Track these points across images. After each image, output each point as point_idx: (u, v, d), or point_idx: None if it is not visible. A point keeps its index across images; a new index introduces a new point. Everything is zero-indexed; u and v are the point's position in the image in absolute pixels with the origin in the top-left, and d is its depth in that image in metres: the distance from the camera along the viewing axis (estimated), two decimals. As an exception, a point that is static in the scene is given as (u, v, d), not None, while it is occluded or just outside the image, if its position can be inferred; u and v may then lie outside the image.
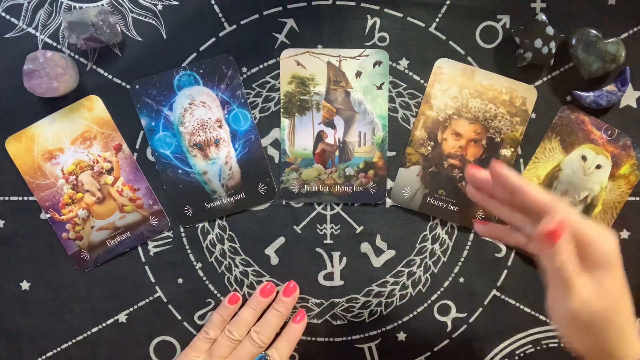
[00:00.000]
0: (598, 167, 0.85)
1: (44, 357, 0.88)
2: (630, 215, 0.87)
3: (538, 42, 0.83)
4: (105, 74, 0.85)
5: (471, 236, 0.88)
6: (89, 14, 0.81)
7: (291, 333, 0.86)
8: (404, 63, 0.86)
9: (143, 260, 0.88)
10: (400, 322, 0.89)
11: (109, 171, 0.86)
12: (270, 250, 0.88)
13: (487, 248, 0.88)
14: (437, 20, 0.85)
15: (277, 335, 0.86)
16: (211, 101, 0.85)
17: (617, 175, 0.86)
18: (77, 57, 0.85)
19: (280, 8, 0.85)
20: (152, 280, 0.88)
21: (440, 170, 0.86)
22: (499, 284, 0.88)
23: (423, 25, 0.86)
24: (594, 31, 0.82)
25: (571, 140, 0.86)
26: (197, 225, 0.88)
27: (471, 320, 0.89)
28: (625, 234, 0.87)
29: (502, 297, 0.89)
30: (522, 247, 0.71)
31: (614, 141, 0.85)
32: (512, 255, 0.88)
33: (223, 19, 0.85)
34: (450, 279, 0.89)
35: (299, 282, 0.88)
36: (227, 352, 0.83)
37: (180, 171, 0.86)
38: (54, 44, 0.85)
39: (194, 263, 0.88)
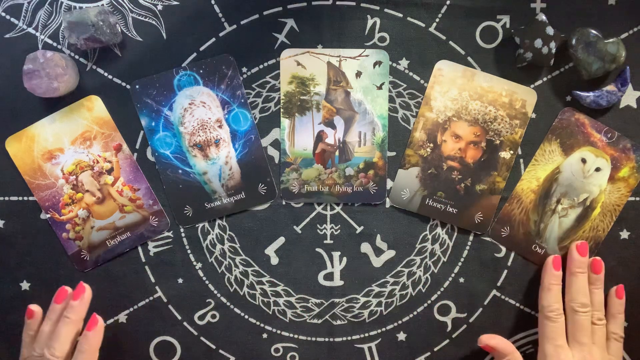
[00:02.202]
0: (597, 169, 0.85)
1: (44, 357, 0.89)
2: (630, 216, 0.87)
3: (538, 42, 0.83)
4: (105, 74, 0.85)
5: (471, 236, 0.88)
6: (89, 14, 0.81)
7: (85, 343, 0.79)
8: (404, 63, 0.86)
9: (143, 260, 0.88)
10: (400, 322, 0.89)
11: (109, 171, 0.86)
12: (270, 250, 0.88)
13: (487, 248, 0.88)
14: (437, 20, 0.85)
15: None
16: (211, 101, 0.85)
17: (616, 177, 0.85)
18: (77, 57, 0.85)
19: (280, 8, 0.85)
20: (152, 280, 0.88)
21: (440, 172, 0.86)
22: (499, 284, 0.88)
23: (423, 25, 0.86)
24: (594, 31, 0.82)
25: (571, 143, 0.86)
26: (197, 225, 0.88)
27: (471, 320, 0.89)
28: (625, 234, 0.87)
29: (502, 297, 0.89)
30: None
31: (614, 144, 0.85)
32: (512, 255, 0.88)
33: (223, 19, 0.85)
34: (450, 279, 0.89)
35: (299, 282, 0.88)
36: None
37: (180, 171, 0.86)
38: (54, 44, 0.85)
39: (194, 263, 0.88)
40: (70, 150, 0.85)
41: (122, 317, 0.88)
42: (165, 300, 0.88)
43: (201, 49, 0.85)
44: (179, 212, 0.87)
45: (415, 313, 0.89)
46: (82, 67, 0.85)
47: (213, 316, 0.89)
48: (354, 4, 0.85)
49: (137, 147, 0.86)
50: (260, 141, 0.86)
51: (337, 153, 0.87)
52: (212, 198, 0.87)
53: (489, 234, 0.88)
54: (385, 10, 0.85)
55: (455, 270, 0.89)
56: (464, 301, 0.89)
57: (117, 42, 0.84)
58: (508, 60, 0.86)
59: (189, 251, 0.88)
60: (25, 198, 0.86)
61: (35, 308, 0.81)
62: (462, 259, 0.88)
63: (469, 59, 0.86)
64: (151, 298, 0.88)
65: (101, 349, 0.88)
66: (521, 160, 0.87)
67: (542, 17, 0.83)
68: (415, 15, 0.85)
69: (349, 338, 0.89)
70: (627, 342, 0.88)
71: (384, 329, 0.89)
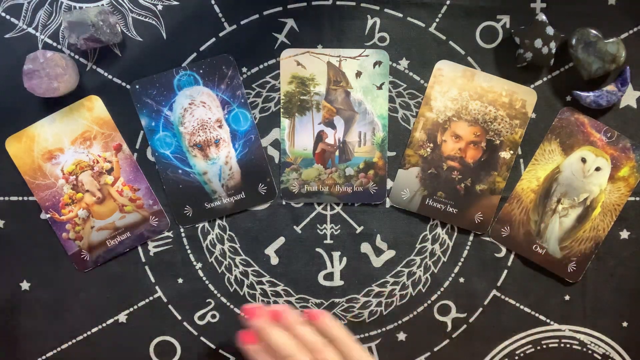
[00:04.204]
0: (597, 169, 0.85)
1: (44, 357, 0.88)
2: (630, 216, 0.87)
3: (538, 42, 0.83)
4: (105, 74, 0.85)
5: (471, 236, 0.88)
6: (89, 14, 0.81)
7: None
8: (404, 63, 0.86)
9: (143, 260, 0.88)
10: (400, 322, 0.89)
11: (109, 171, 0.86)
12: (270, 250, 0.88)
13: (487, 248, 0.88)
14: (437, 20, 0.85)
15: None
16: (211, 101, 0.85)
17: (616, 177, 0.85)
18: (77, 57, 0.85)
19: (280, 8, 0.85)
20: (152, 280, 0.88)
21: (440, 172, 0.86)
22: (499, 284, 0.89)
23: (423, 25, 0.86)
24: (594, 31, 0.82)
25: (571, 142, 0.86)
26: (197, 225, 0.88)
27: (471, 320, 0.89)
28: (625, 234, 0.87)
29: (502, 297, 0.89)
30: None
31: (614, 143, 0.85)
32: (512, 255, 0.88)
33: (223, 19, 0.85)
34: (450, 279, 0.89)
35: (299, 282, 0.88)
36: None
37: (180, 171, 0.86)
38: (54, 44, 0.85)
39: (194, 263, 0.88)
40: (70, 150, 0.85)
41: (122, 317, 0.88)
42: (165, 300, 0.88)
43: (201, 49, 0.85)
44: (179, 212, 0.87)
45: (415, 313, 0.89)
46: (82, 67, 0.85)
47: (213, 316, 0.89)
48: (354, 4, 0.85)
49: (137, 147, 0.86)
50: (260, 141, 0.86)
51: (337, 153, 0.87)
52: (212, 198, 0.87)
53: (489, 234, 0.88)
54: (385, 10, 0.85)
55: (455, 270, 0.89)
56: (464, 301, 0.89)
57: (117, 42, 0.84)
58: (508, 60, 0.86)
59: (189, 251, 0.88)
60: (25, 198, 0.86)
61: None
62: (462, 259, 0.88)
63: (469, 59, 0.86)
64: (151, 298, 0.88)
65: (101, 349, 0.88)
66: (521, 160, 0.87)
67: (542, 17, 0.83)
68: (415, 15, 0.85)
69: (349, 338, 0.89)
70: (627, 342, 0.88)
71: (384, 329, 0.89)
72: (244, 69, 0.86)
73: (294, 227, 0.88)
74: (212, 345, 0.89)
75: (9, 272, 0.87)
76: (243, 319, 0.75)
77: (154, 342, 0.89)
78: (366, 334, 0.89)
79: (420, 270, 0.89)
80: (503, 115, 0.85)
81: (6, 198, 0.86)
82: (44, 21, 0.84)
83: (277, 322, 0.74)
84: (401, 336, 0.89)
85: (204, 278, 0.88)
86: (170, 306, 0.88)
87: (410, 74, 0.86)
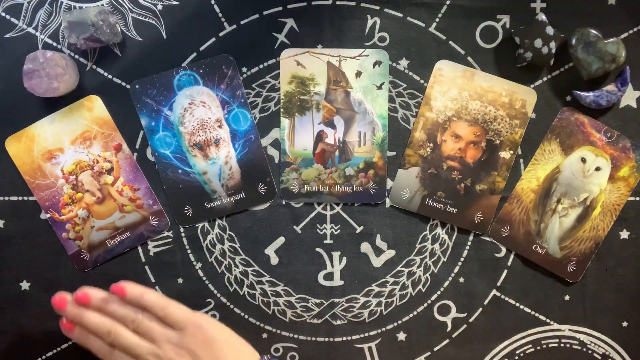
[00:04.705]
0: (597, 169, 0.85)
1: (43, 357, 0.88)
2: (630, 215, 0.87)
3: (538, 42, 0.83)
4: (105, 74, 0.85)
5: (471, 236, 0.88)
6: (89, 14, 0.81)
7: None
8: (404, 63, 0.86)
9: (143, 260, 0.88)
10: (400, 322, 0.89)
11: (109, 171, 0.86)
12: (270, 250, 0.88)
13: (487, 248, 0.88)
14: (437, 20, 0.85)
15: None
16: (211, 101, 0.85)
17: (616, 177, 0.85)
18: (77, 57, 0.85)
19: (280, 8, 0.85)
20: (152, 280, 0.88)
21: (440, 172, 0.86)
22: (499, 284, 0.88)
23: (423, 25, 0.86)
24: (594, 31, 0.82)
25: (571, 142, 0.86)
26: (197, 225, 0.88)
27: (471, 320, 0.89)
28: (625, 234, 0.87)
29: (502, 297, 0.89)
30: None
31: (614, 143, 0.85)
32: (512, 255, 0.88)
33: (223, 19, 0.85)
34: (450, 279, 0.89)
35: (299, 282, 0.88)
36: None
37: (180, 171, 0.86)
38: (54, 44, 0.85)
39: (194, 263, 0.88)
40: (70, 150, 0.85)
41: (122, 317, 0.88)
42: (165, 300, 0.88)
43: (201, 49, 0.85)
44: (179, 212, 0.87)
45: (415, 313, 0.89)
46: (82, 67, 0.85)
47: (213, 316, 0.88)
48: (354, 4, 0.85)
49: (137, 147, 0.86)
50: (260, 141, 0.86)
51: (337, 153, 0.87)
52: (212, 198, 0.87)
53: (489, 234, 0.88)
54: (385, 10, 0.85)
55: (455, 270, 0.89)
56: (463, 301, 0.89)
57: (117, 42, 0.84)
58: (508, 60, 0.86)
59: (189, 251, 0.88)
60: (25, 198, 0.86)
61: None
62: (462, 259, 0.88)
63: (469, 59, 0.86)
64: (151, 298, 0.88)
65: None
66: (521, 160, 0.87)
67: (542, 17, 0.83)
68: (415, 15, 0.85)
69: (349, 338, 0.89)
70: (627, 342, 0.89)
71: (384, 329, 0.89)
72: (244, 69, 0.86)
73: (294, 227, 0.88)
74: (212, 345, 0.89)
75: (9, 272, 0.87)
76: (56, 310, 0.78)
77: (154, 342, 0.89)
78: (366, 334, 0.89)
79: (420, 270, 0.89)
80: (503, 115, 0.85)
81: (6, 198, 0.86)
82: (44, 21, 0.84)
83: (86, 305, 0.77)
84: (401, 336, 0.89)
85: (204, 278, 0.88)
86: (170, 306, 0.88)
87: (410, 73, 0.86)
